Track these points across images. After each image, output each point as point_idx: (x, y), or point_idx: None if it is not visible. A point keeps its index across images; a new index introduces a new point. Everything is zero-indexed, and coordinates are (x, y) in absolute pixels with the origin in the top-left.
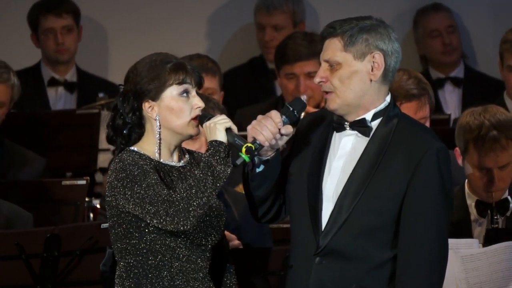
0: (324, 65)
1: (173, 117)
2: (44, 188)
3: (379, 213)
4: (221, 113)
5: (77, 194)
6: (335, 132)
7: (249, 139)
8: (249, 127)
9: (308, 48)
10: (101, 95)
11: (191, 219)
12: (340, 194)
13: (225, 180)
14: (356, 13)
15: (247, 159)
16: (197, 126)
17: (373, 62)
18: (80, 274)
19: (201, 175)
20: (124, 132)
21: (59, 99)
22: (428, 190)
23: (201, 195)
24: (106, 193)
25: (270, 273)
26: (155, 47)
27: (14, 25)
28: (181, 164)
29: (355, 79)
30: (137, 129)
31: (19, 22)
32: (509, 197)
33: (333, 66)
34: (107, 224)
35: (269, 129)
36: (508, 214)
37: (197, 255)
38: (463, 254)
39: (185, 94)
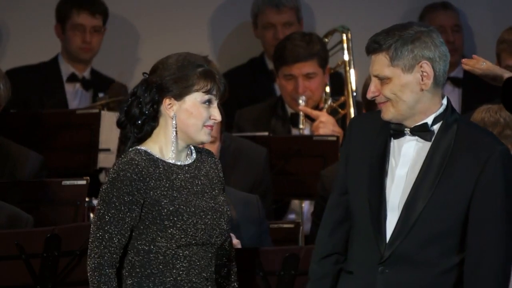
0: (374, 80)
1: (189, 121)
2: (44, 188)
3: (446, 219)
4: None
5: (77, 194)
6: (392, 138)
7: None
8: None
9: (306, 49)
10: (101, 95)
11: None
12: (406, 202)
13: None
14: (356, 12)
15: None
16: (209, 134)
17: (422, 71)
18: (80, 274)
19: None
20: (138, 122)
21: (76, 96)
22: (495, 194)
23: None
24: None
25: (270, 273)
26: (155, 48)
27: (31, 19)
28: (187, 162)
29: (406, 91)
30: (151, 122)
31: (36, 16)
32: None
33: (383, 80)
34: None
35: None
36: None
37: (200, 255)
38: None
39: (207, 103)
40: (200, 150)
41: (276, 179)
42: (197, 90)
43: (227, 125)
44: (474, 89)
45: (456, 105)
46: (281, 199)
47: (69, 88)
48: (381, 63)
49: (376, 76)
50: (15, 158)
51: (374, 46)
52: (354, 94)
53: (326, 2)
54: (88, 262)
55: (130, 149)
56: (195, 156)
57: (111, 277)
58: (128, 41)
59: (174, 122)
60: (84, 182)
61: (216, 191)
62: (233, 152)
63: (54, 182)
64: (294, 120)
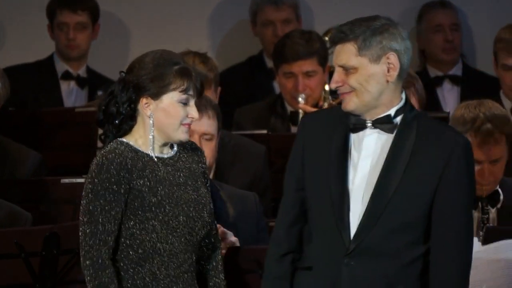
0: (339, 70)
1: (167, 120)
2: (43, 187)
3: (412, 210)
4: (214, 110)
5: (76, 193)
6: (351, 132)
7: None
8: None
9: (306, 47)
10: (99, 93)
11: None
12: (372, 194)
13: None
14: (355, 10)
15: None
16: (187, 132)
17: (388, 63)
18: (79, 273)
19: None
20: (116, 122)
21: (71, 94)
22: (460, 185)
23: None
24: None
25: None
26: (155, 47)
27: (28, 17)
28: (168, 155)
29: (372, 81)
30: (129, 121)
31: (33, 14)
32: (499, 189)
33: (349, 70)
34: None
35: None
36: (498, 206)
37: (180, 248)
38: None
39: (184, 102)
40: (183, 143)
41: (275, 177)
42: (174, 89)
43: (227, 123)
44: (472, 87)
45: (455, 103)
46: (280, 197)
47: (64, 86)
48: (348, 53)
49: (341, 66)
50: (14, 157)
51: (341, 36)
52: None
53: (325, 1)
54: (85, 257)
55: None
56: (176, 149)
57: (112, 270)
58: (127, 40)
59: (151, 121)
60: (83, 180)
61: (199, 183)
62: (232, 150)
63: (53, 181)
64: (293, 118)
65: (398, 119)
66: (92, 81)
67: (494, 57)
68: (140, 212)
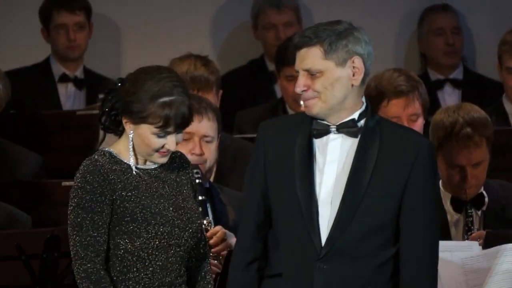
0: (304, 74)
1: (141, 145)
2: (44, 189)
3: (381, 212)
4: (214, 113)
5: None
6: (314, 138)
7: None
8: None
9: None
10: (101, 96)
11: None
12: (342, 197)
13: None
14: (356, 14)
15: None
16: (163, 156)
17: (353, 67)
18: None
19: None
20: (103, 122)
21: (69, 96)
22: (426, 186)
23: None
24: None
25: None
26: (156, 49)
27: (24, 20)
28: (153, 166)
29: (337, 85)
30: (113, 126)
31: (28, 17)
32: (484, 192)
33: (314, 75)
34: None
35: None
36: (484, 208)
37: (167, 258)
38: (463, 256)
39: (162, 135)
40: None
41: None
42: (151, 123)
43: (228, 126)
44: (473, 90)
45: None
46: None
47: (61, 89)
48: (314, 56)
49: (306, 70)
50: (14, 159)
51: (305, 40)
52: None
53: (326, 4)
54: (79, 269)
55: (98, 150)
56: None
57: (108, 279)
58: (129, 43)
59: (131, 137)
60: None
61: (185, 193)
62: (233, 153)
63: (54, 183)
64: None
65: (361, 123)
66: (90, 82)
67: (498, 60)
68: (124, 223)
